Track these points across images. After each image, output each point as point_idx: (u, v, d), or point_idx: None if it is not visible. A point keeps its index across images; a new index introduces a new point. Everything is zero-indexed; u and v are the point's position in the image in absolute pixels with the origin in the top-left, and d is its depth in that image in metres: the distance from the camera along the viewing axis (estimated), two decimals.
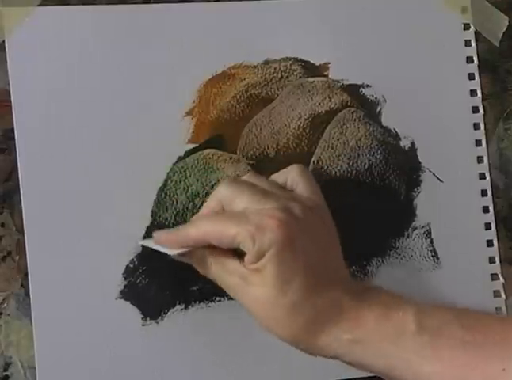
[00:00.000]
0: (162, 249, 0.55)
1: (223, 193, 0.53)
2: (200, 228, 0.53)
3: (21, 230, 0.60)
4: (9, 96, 0.60)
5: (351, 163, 0.65)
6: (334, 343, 0.50)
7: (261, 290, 0.50)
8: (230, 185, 0.53)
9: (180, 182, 0.62)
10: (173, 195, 0.62)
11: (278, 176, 0.56)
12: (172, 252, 0.54)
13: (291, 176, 0.55)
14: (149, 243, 0.58)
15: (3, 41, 0.60)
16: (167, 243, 0.55)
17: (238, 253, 0.52)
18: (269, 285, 0.50)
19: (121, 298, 0.61)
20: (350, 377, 0.63)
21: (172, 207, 0.62)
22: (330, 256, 0.53)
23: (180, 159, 0.62)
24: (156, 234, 0.56)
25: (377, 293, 0.52)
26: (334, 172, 0.65)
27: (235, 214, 0.52)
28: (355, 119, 0.66)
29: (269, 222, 0.50)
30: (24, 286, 0.59)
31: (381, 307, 0.50)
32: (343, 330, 0.50)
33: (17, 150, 0.60)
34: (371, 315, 0.50)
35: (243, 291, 0.52)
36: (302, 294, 0.50)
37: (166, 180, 0.62)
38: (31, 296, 0.59)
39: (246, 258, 0.51)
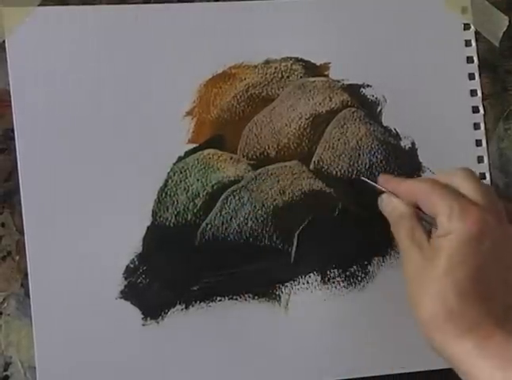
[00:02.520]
0: (378, 188, 0.59)
1: (459, 174, 0.55)
2: (417, 184, 0.56)
3: (21, 230, 0.60)
4: (9, 96, 0.60)
5: (352, 163, 0.65)
6: (457, 347, 0.50)
7: (429, 265, 0.51)
8: (469, 173, 0.55)
9: (180, 182, 0.62)
10: (174, 195, 0.62)
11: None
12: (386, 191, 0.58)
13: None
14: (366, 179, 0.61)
15: (3, 41, 0.60)
16: (383, 181, 0.59)
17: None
18: (438, 263, 0.51)
19: (121, 298, 0.61)
20: (350, 377, 0.63)
21: (172, 206, 0.62)
22: (505, 279, 0.52)
23: (180, 159, 0.62)
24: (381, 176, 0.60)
25: None
26: (334, 172, 0.65)
27: (451, 191, 0.53)
28: (356, 119, 0.66)
29: (473, 212, 0.51)
30: (24, 286, 0.59)
31: None
32: (471, 339, 0.50)
33: (17, 150, 0.60)
34: (503, 339, 0.49)
35: (414, 260, 0.53)
36: (458, 288, 0.50)
37: (166, 180, 0.62)
38: (31, 296, 0.59)
39: (435, 231, 0.52)
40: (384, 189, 0.58)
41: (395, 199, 0.57)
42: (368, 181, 0.61)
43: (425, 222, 0.54)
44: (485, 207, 0.52)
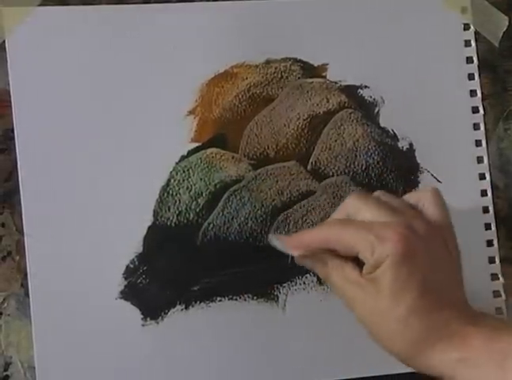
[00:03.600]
0: (285, 250, 0.55)
1: (350, 204, 0.54)
2: (323, 231, 0.53)
3: (21, 230, 0.60)
4: (9, 96, 0.60)
5: (349, 164, 0.65)
6: (442, 361, 0.50)
7: (376, 301, 0.51)
8: (359, 198, 0.54)
9: (183, 181, 0.62)
10: (176, 195, 0.62)
11: (410, 197, 0.56)
12: (295, 252, 0.54)
13: (423, 196, 0.55)
14: (275, 242, 0.56)
15: (3, 41, 0.60)
16: (291, 243, 0.55)
17: (358, 265, 0.52)
18: (382, 295, 0.50)
19: (121, 298, 0.61)
20: (350, 377, 0.63)
21: (174, 206, 0.62)
22: (448, 278, 0.53)
23: (183, 158, 0.62)
24: (280, 237, 0.56)
25: (487, 317, 0.52)
26: (331, 173, 0.65)
27: (359, 223, 0.52)
28: (353, 120, 0.66)
29: (390, 234, 0.50)
30: (24, 286, 0.59)
31: (490, 330, 0.50)
32: (451, 349, 0.50)
33: (17, 150, 0.60)
34: (479, 337, 0.50)
35: (360, 301, 0.52)
36: (414, 309, 0.50)
37: (168, 180, 0.62)
38: (30, 296, 0.59)
39: (364, 267, 0.51)
40: (290, 253, 0.55)
41: (305, 257, 0.54)
42: (276, 246, 0.56)
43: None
44: (396, 223, 0.51)
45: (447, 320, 0.50)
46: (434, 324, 0.50)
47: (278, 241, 0.56)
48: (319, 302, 0.63)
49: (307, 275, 0.63)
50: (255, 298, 0.62)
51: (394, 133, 0.66)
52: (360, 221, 0.52)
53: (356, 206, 0.53)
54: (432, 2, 0.68)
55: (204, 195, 0.62)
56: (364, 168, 0.65)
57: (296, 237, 0.55)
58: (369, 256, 0.50)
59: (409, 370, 0.64)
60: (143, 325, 0.61)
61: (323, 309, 0.63)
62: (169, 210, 0.62)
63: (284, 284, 0.63)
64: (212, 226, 0.62)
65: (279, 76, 0.65)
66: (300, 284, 0.63)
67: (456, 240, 0.55)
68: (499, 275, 0.67)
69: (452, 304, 0.51)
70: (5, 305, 0.60)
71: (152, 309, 0.61)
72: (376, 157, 0.66)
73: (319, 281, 0.63)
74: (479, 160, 0.68)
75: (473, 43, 0.68)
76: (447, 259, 0.53)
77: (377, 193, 0.56)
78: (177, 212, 0.62)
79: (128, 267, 0.61)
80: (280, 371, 0.63)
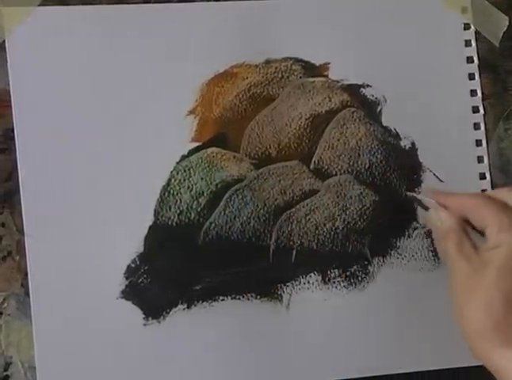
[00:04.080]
0: (426, 203, 0.57)
1: (504, 192, 0.55)
2: (467, 196, 0.55)
3: (21, 230, 0.59)
4: (9, 96, 0.60)
5: (351, 163, 0.65)
6: (509, 361, 0.50)
7: (479, 277, 0.51)
8: None
9: (184, 181, 0.62)
10: (177, 194, 0.62)
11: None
12: (434, 205, 0.56)
13: None
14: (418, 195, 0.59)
15: (3, 41, 0.60)
16: (431, 194, 0.57)
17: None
18: (488, 274, 0.51)
19: (123, 297, 0.60)
20: (349, 377, 0.63)
21: (175, 205, 0.62)
22: None
23: (184, 158, 0.62)
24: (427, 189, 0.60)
25: None
26: (334, 172, 0.65)
27: (501, 205, 0.53)
28: (355, 119, 0.66)
29: None
30: (25, 286, 0.59)
31: None
32: None
33: (17, 150, 0.60)
34: None
35: (462, 274, 0.52)
36: (505, 297, 0.50)
37: (169, 179, 0.62)
38: (31, 296, 0.59)
39: (485, 243, 0.52)
40: (431, 203, 0.57)
41: (443, 212, 0.56)
42: (416, 196, 0.60)
43: (472, 237, 0.54)
44: None
45: None
46: None
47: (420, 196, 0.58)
48: (323, 301, 0.63)
49: (311, 274, 0.63)
50: (258, 297, 0.62)
51: (396, 132, 0.66)
52: (505, 204, 0.53)
53: (508, 195, 0.54)
54: (432, 2, 0.68)
55: (205, 194, 0.62)
56: (367, 167, 0.65)
57: (440, 193, 0.57)
58: (495, 233, 0.51)
59: (408, 370, 0.65)
60: (144, 325, 0.61)
61: (327, 309, 0.63)
62: (170, 209, 0.62)
63: (288, 283, 0.63)
64: (213, 225, 0.62)
65: (279, 76, 0.65)
66: (304, 283, 0.63)
67: None
68: None
69: None
70: (6, 305, 0.60)
71: (154, 309, 0.61)
72: (379, 156, 0.66)
73: (323, 280, 0.63)
74: (480, 160, 0.68)
75: (473, 42, 0.68)
76: None
77: None
78: (178, 212, 0.62)
79: (129, 266, 0.61)
80: (283, 370, 0.63)
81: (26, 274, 0.59)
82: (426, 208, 0.57)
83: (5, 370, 0.59)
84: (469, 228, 0.54)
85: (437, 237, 0.57)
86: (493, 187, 0.68)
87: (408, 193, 0.63)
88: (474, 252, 0.53)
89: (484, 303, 0.50)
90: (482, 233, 0.53)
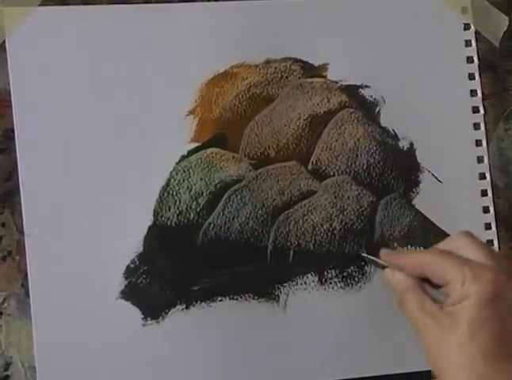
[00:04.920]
0: (379, 262, 0.57)
1: (459, 240, 0.54)
2: (422, 255, 0.55)
3: (21, 230, 0.60)
4: (9, 96, 0.60)
5: (350, 164, 0.65)
6: None
7: (449, 335, 0.50)
8: (468, 236, 0.55)
9: (183, 181, 0.62)
10: (177, 195, 0.62)
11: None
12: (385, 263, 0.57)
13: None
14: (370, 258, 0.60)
15: (4, 41, 0.60)
16: (385, 257, 0.57)
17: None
18: (458, 330, 0.50)
19: (122, 298, 0.61)
20: (347, 377, 0.63)
21: (175, 206, 0.62)
22: None
23: (183, 158, 0.62)
24: (383, 251, 0.58)
25: None
26: (332, 173, 0.65)
27: (458, 257, 0.53)
28: (353, 120, 0.66)
29: (485, 274, 0.50)
30: (25, 286, 0.59)
31: None
32: None
33: (17, 149, 0.60)
34: None
35: (430, 332, 0.52)
36: (485, 351, 0.49)
37: (168, 180, 0.62)
38: (31, 296, 0.59)
39: (449, 299, 0.51)
40: (386, 264, 0.57)
41: (398, 273, 0.55)
42: (370, 257, 0.60)
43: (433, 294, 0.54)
44: (494, 266, 0.52)
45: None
46: (499, 372, 0.50)
47: (374, 257, 0.58)
48: (320, 301, 0.63)
49: (308, 275, 0.63)
50: (256, 297, 0.62)
51: (395, 133, 0.66)
52: (460, 256, 0.53)
53: (463, 243, 0.54)
54: (432, 2, 0.68)
55: (204, 194, 0.62)
56: (365, 167, 0.65)
57: (393, 254, 0.57)
58: (458, 288, 0.51)
59: (406, 370, 0.65)
60: (143, 325, 0.61)
61: (324, 309, 0.63)
62: (169, 210, 0.62)
63: (285, 284, 0.63)
64: (212, 225, 0.62)
65: (279, 76, 0.65)
66: (301, 284, 0.63)
67: None
68: None
69: None
70: (6, 305, 0.60)
71: (153, 309, 0.61)
72: (377, 157, 0.66)
73: (320, 281, 0.63)
74: (480, 160, 0.68)
75: (473, 43, 0.68)
76: None
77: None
78: (177, 212, 0.62)
79: (128, 267, 0.61)
80: (280, 371, 0.63)
81: (26, 274, 0.59)
82: (383, 268, 0.56)
83: (6, 369, 0.59)
84: (427, 286, 0.53)
85: (396, 299, 0.56)
86: (493, 187, 0.68)
87: (363, 254, 0.62)
88: (437, 308, 0.52)
89: (463, 359, 0.49)
90: (440, 293, 0.53)
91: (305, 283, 0.63)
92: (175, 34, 0.63)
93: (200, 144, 0.63)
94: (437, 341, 0.51)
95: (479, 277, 0.50)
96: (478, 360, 0.49)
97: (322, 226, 0.64)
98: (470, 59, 0.68)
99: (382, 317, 0.64)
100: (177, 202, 0.62)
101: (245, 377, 0.62)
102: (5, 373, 0.59)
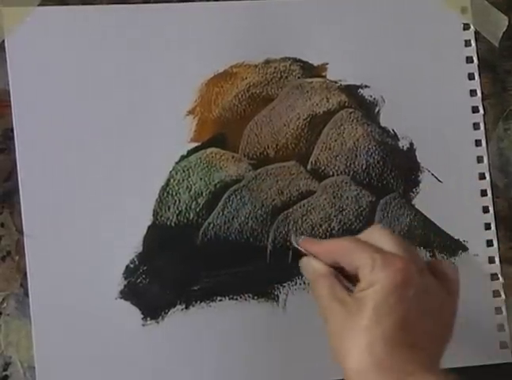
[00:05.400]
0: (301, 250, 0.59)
1: (373, 232, 0.55)
2: (335, 242, 0.56)
3: (20, 230, 0.60)
4: (9, 96, 0.60)
5: (349, 164, 0.65)
6: None
7: (354, 319, 0.51)
8: (383, 229, 0.56)
9: (183, 181, 0.62)
10: (176, 194, 0.62)
11: (442, 266, 0.57)
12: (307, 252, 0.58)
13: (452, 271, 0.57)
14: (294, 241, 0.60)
15: (3, 41, 0.60)
16: (302, 243, 0.58)
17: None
18: (363, 315, 0.51)
19: (121, 298, 0.61)
20: None
21: (174, 206, 0.62)
22: (430, 329, 0.53)
23: (183, 158, 0.62)
24: (303, 239, 0.59)
25: (450, 377, 0.51)
26: (331, 173, 0.65)
27: (371, 245, 0.54)
28: (353, 120, 0.66)
29: (396, 261, 0.51)
30: (24, 286, 0.59)
31: None
32: None
33: (17, 149, 0.60)
34: None
35: (337, 317, 0.52)
36: (388, 337, 0.50)
37: (168, 179, 0.62)
38: (30, 296, 0.59)
39: (358, 285, 0.52)
40: (305, 252, 0.58)
41: (313, 260, 0.57)
42: (295, 245, 0.60)
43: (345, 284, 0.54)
44: (405, 257, 0.52)
45: (411, 362, 0.50)
46: (397, 359, 0.50)
47: (295, 241, 0.59)
48: None
49: None
50: (255, 297, 0.62)
51: (394, 132, 0.66)
52: (374, 245, 0.54)
53: (378, 234, 0.55)
54: (432, 2, 0.68)
55: (203, 194, 0.62)
56: (364, 167, 0.65)
57: (310, 241, 0.58)
58: (367, 273, 0.51)
59: None
60: (143, 325, 0.61)
61: None
62: (169, 209, 0.62)
63: (285, 284, 0.63)
64: (212, 225, 0.62)
65: (278, 76, 0.65)
66: (301, 284, 0.63)
67: (454, 317, 0.55)
68: (499, 275, 0.67)
69: (423, 352, 0.51)
70: (5, 305, 0.60)
71: (152, 309, 0.61)
72: (376, 157, 0.66)
73: None
74: (479, 160, 0.68)
75: (473, 43, 0.68)
76: (437, 316, 0.53)
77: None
78: (177, 212, 0.62)
79: (128, 266, 0.61)
80: (280, 371, 0.63)
81: (25, 274, 0.59)
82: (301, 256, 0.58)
83: (5, 369, 0.59)
84: (341, 276, 0.54)
85: (311, 284, 0.57)
86: (493, 187, 0.68)
87: (291, 240, 0.62)
88: (347, 295, 0.52)
89: (365, 343, 0.50)
90: (354, 280, 0.53)
91: (304, 282, 0.63)
92: (175, 34, 0.63)
93: (199, 144, 0.63)
94: (342, 326, 0.52)
95: (388, 265, 0.51)
96: (378, 344, 0.50)
97: (321, 226, 0.64)
98: (469, 59, 0.68)
99: None
100: (177, 202, 0.62)
101: (244, 377, 0.62)
102: (4, 373, 0.59)
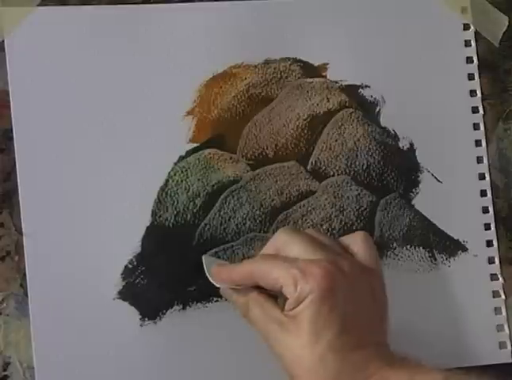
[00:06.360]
0: (211, 280, 0.57)
1: (280, 239, 0.54)
2: (248, 266, 0.54)
3: (20, 230, 0.60)
4: (8, 97, 0.60)
5: (349, 164, 0.65)
6: None
7: (295, 338, 0.50)
8: (289, 232, 0.55)
9: (181, 182, 0.62)
10: (174, 195, 0.62)
11: (344, 240, 0.57)
12: (220, 285, 0.56)
13: (354, 240, 0.56)
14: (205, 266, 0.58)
15: (3, 41, 0.60)
16: (218, 277, 0.56)
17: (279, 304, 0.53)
18: (303, 332, 0.50)
19: (119, 298, 0.60)
20: None
21: (172, 206, 0.62)
22: (371, 319, 0.52)
23: (181, 158, 0.62)
24: (211, 265, 0.58)
25: (406, 361, 0.51)
26: (332, 173, 0.65)
27: (285, 259, 0.52)
28: (353, 120, 0.66)
29: (315, 269, 0.50)
30: (24, 286, 0.59)
31: (408, 373, 0.50)
32: None
33: (16, 150, 0.60)
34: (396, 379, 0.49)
35: (278, 338, 0.52)
36: (333, 347, 0.50)
37: (167, 180, 0.62)
38: (29, 296, 0.59)
39: (287, 303, 0.51)
40: (221, 285, 0.56)
41: (229, 290, 0.56)
42: (210, 280, 0.57)
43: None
44: (321, 259, 0.52)
45: (366, 360, 0.50)
46: (352, 363, 0.50)
47: (207, 270, 0.57)
48: None
49: None
50: None
51: (394, 133, 0.66)
52: (284, 256, 0.53)
53: (284, 240, 0.54)
54: (432, 2, 0.68)
55: (201, 195, 0.62)
56: (364, 167, 0.65)
57: (223, 271, 0.56)
58: (293, 290, 0.50)
59: None
60: (141, 326, 0.61)
61: None
62: (167, 210, 0.62)
63: None
64: (208, 226, 0.62)
65: (278, 76, 0.65)
66: None
67: (384, 287, 0.55)
68: (499, 275, 0.67)
69: (372, 345, 0.51)
70: (4, 305, 0.60)
71: (150, 310, 0.61)
72: (376, 157, 0.66)
73: None
74: (479, 160, 0.68)
75: (473, 43, 0.68)
76: (370, 301, 0.53)
77: (309, 230, 0.57)
78: (175, 213, 0.62)
79: (126, 267, 0.61)
80: (278, 371, 0.62)
81: (25, 274, 0.59)
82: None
83: (4, 370, 0.59)
84: (265, 293, 0.53)
85: (240, 313, 0.56)
86: (493, 187, 0.68)
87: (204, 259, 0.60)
88: (281, 313, 0.52)
89: (316, 360, 0.49)
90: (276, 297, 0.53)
91: None
92: (174, 34, 0.63)
93: (198, 145, 0.63)
94: (287, 347, 0.51)
95: (308, 275, 0.50)
96: (329, 358, 0.49)
97: (321, 226, 0.64)
98: (469, 59, 0.68)
99: None
100: (175, 202, 0.62)
101: (243, 377, 0.62)
102: (3, 373, 0.59)
